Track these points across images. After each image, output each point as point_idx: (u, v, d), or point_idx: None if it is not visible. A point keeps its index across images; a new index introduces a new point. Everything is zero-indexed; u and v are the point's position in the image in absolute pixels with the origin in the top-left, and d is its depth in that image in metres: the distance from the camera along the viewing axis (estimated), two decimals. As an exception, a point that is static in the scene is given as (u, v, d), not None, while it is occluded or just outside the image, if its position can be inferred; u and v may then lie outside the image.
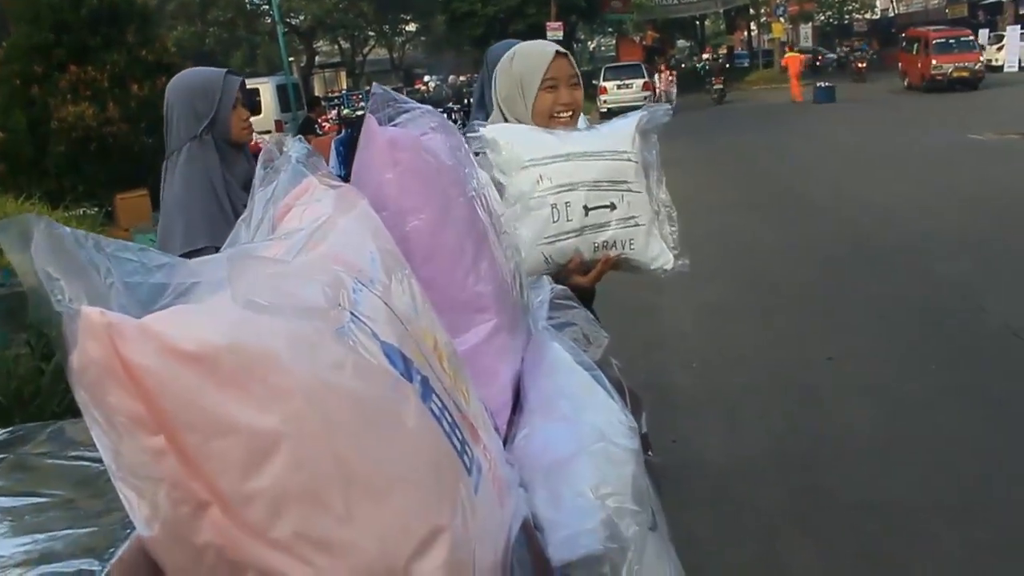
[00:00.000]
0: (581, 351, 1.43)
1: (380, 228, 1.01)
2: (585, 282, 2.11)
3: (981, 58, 26.65)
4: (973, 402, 4.37)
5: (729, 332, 5.89)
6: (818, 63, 39.63)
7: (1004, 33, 31.01)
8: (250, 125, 2.45)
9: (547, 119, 2.16)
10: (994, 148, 13.47)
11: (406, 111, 1.36)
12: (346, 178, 1.27)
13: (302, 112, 19.23)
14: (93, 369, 0.59)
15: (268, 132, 16.69)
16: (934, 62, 25.76)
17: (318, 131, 14.80)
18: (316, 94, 31.36)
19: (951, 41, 26.37)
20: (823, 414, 4.42)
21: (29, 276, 0.57)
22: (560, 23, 30.49)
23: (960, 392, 4.50)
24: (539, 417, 1.24)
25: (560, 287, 1.72)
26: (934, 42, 26.26)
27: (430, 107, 1.40)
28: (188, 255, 2.18)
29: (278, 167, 1.03)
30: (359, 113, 19.81)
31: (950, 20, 35.63)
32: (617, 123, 2.18)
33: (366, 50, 50.50)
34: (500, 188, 2.00)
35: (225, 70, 2.44)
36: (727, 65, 38.53)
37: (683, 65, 40.51)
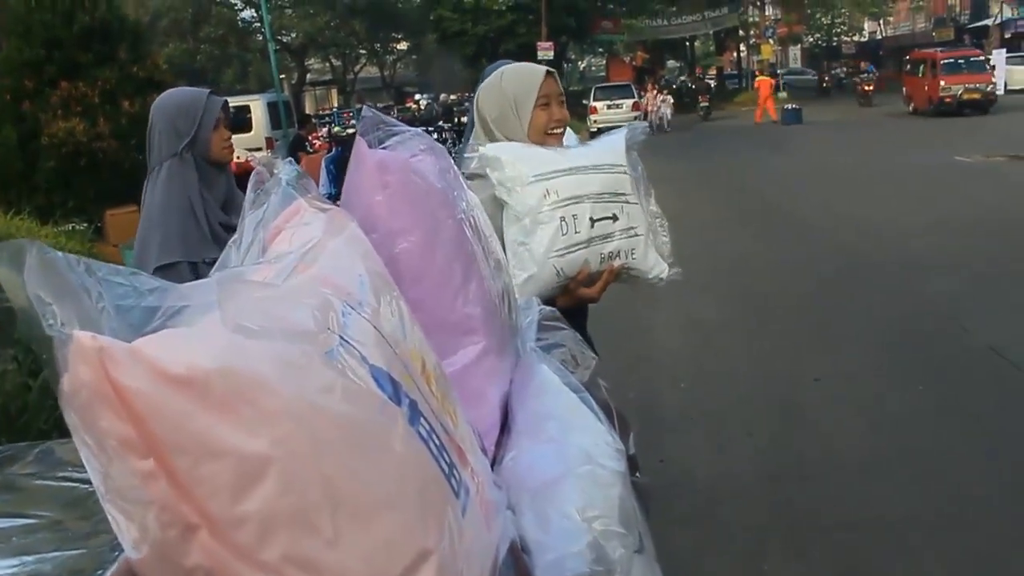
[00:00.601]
0: (569, 373, 1.43)
1: (369, 250, 1.02)
2: (592, 293, 2.16)
3: (993, 79, 25.29)
4: (957, 420, 4.41)
5: (717, 350, 5.92)
6: (825, 84, 39.54)
7: (990, 56, 31.17)
8: (231, 146, 2.49)
9: (542, 135, 2.21)
10: (981, 170, 13.58)
11: (396, 134, 1.37)
12: (336, 196, 1.29)
13: (293, 129, 19.23)
14: (84, 392, 0.60)
15: (259, 149, 16.71)
16: (943, 83, 24.39)
17: (309, 149, 14.81)
18: (307, 111, 31.39)
19: (960, 61, 25.15)
20: (810, 432, 4.44)
21: (21, 299, 0.58)
22: (551, 43, 30.64)
23: (945, 410, 4.53)
24: (526, 439, 1.24)
25: (548, 308, 1.72)
26: (942, 63, 24.98)
27: (420, 130, 1.41)
28: (162, 269, 2.24)
29: (268, 189, 1.04)
30: (349, 131, 19.83)
31: (937, 43, 35.83)
32: (606, 139, 2.27)
33: (357, 68, 50.67)
34: (502, 205, 2.02)
35: (208, 90, 2.48)
36: (711, 85, 38.85)
37: (674, 86, 40.82)
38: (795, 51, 43.81)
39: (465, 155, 2.07)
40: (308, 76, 47.91)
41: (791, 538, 3.45)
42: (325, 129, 22.32)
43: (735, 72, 46.10)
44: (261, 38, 39.19)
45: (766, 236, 9.70)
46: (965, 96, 24.20)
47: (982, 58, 26.03)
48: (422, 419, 0.82)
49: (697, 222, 10.06)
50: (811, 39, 48.03)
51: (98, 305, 0.63)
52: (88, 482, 0.66)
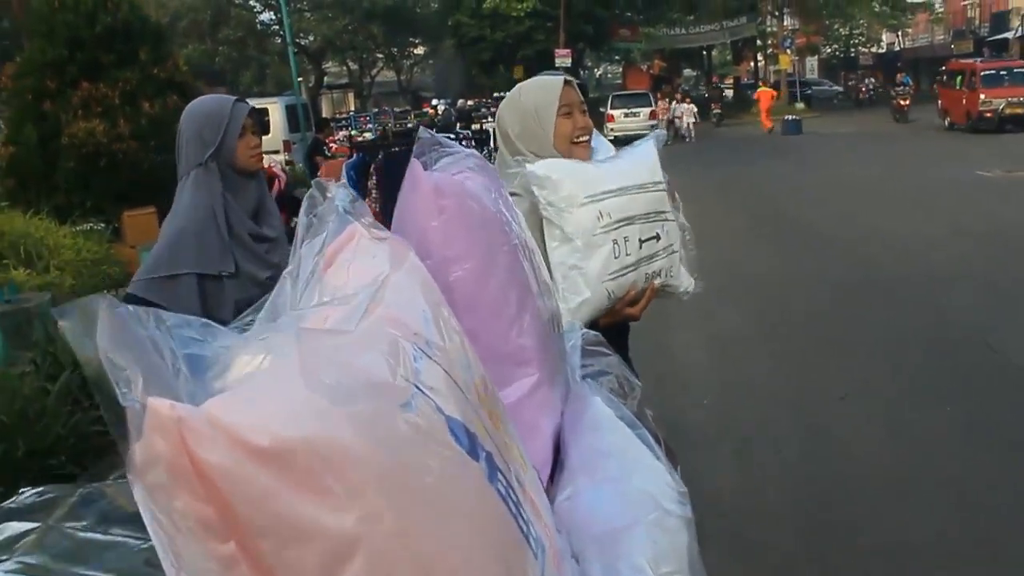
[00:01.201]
0: (621, 404, 1.38)
1: (428, 280, 0.96)
2: (635, 311, 2.14)
3: None
4: (987, 439, 4.32)
5: (741, 366, 5.84)
6: (861, 96, 38.60)
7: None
8: (259, 154, 2.43)
9: (568, 144, 2.16)
10: (1002, 185, 13.44)
11: (448, 154, 1.32)
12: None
13: (310, 133, 19.25)
14: (159, 467, 0.54)
15: (276, 152, 16.73)
16: (983, 97, 22.20)
17: (326, 152, 14.80)
18: (324, 115, 31.42)
19: (1002, 73, 22.90)
20: (836, 451, 4.37)
21: (94, 364, 0.52)
22: (568, 50, 30.66)
23: (974, 429, 4.45)
24: (582, 477, 1.18)
25: (592, 333, 1.67)
26: (982, 74, 22.80)
27: (474, 151, 1.36)
28: (168, 279, 2.21)
29: (323, 216, 0.98)
30: (366, 135, 19.83)
31: (956, 55, 35.38)
32: (638, 152, 2.22)
33: (374, 72, 50.71)
34: (540, 221, 1.96)
35: (235, 98, 2.42)
36: (723, 93, 38.81)
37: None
38: (812, 61, 43.54)
39: (508, 171, 2.01)
40: (325, 79, 47.98)
41: (822, 560, 3.40)
42: (342, 133, 22.30)
43: (752, 82, 45.91)
44: (279, 41, 39.30)
45: (786, 249, 9.62)
46: (1008, 111, 21.98)
47: (1025, 69, 23.45)
48: (499, 474, 0.76)
49: (714, 233, 9.97)
50: (829, 50, 47.81)
51: (172, 365, 0.58)
52: (140, 537, 0.61)
